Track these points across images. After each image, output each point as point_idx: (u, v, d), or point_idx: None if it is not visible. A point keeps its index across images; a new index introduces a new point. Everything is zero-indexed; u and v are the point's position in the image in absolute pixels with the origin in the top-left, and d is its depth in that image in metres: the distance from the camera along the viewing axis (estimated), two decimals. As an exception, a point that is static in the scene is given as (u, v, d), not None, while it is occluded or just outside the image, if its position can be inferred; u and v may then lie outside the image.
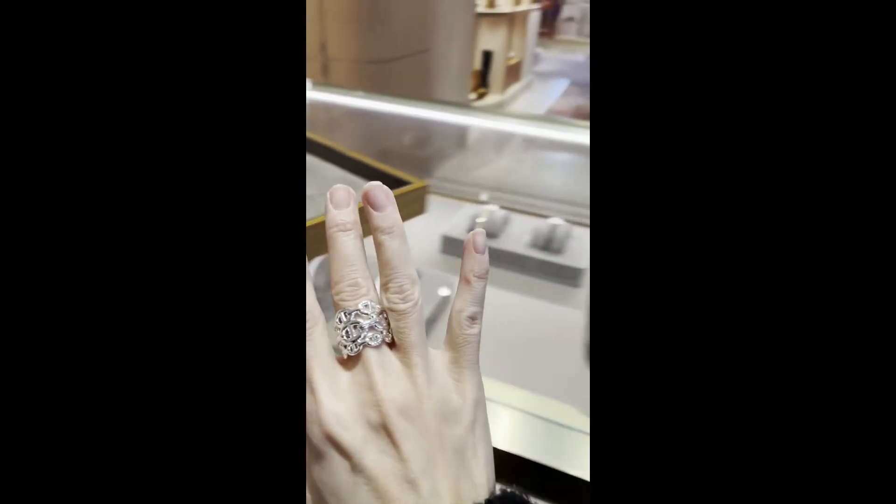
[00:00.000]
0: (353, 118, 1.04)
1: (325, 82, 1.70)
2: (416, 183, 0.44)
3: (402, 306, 0.19)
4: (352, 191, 0.21)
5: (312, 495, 0.19)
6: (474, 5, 2.50)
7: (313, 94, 1.04)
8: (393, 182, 0.44)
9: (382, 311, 0.20)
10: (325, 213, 0.20)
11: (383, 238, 0.20)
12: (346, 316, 0.19)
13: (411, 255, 0.20)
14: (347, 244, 0.20)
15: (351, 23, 1.62)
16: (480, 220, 0.58)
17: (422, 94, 1.98)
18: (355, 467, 0.17)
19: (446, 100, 2.03)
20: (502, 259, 0.60)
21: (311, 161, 0.52)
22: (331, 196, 0.20)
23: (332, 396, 0.18)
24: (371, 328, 0.19)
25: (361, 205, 0.20)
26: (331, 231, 0.20)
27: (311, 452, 0.18)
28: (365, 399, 0.18)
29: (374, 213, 0.20)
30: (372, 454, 0.18)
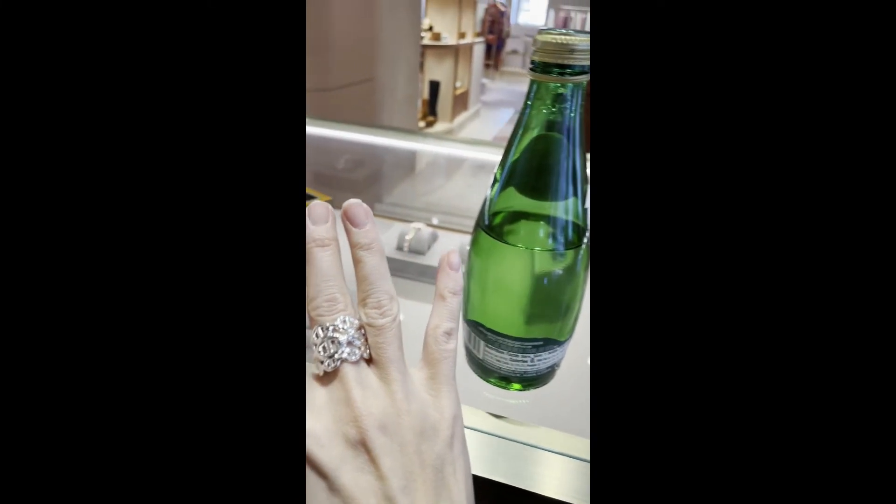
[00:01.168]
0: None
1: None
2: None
3: (380, 321, 0.19)
4: (330, 207, 0.21)
5: None
6: (420, 37, 2.58)
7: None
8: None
9: (360, 327, 0.20)
10: (305, 229, 0.20)
11: (362, 254, 0.20)
12: (322, 331, 0.19)
13: (388, 271, 0.21)
14: (325, 259, 0.20)
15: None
16: (408, 237, 0.59)
17: (367, 121, 2.01)
18: (332, 487, 0.17)
19: (394, 126, 2.07)
20: (428, 275, 0.62)
21: None
22: (309, 212, 0.20)
23: (308, 414, 0.18)
24: (349, 343, 0.19)
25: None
26: (309, 246, 0.20)
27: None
28: (342, 415, 0.18)
29: (354, 230, 0.20)
30: (349, 473, 0.17)
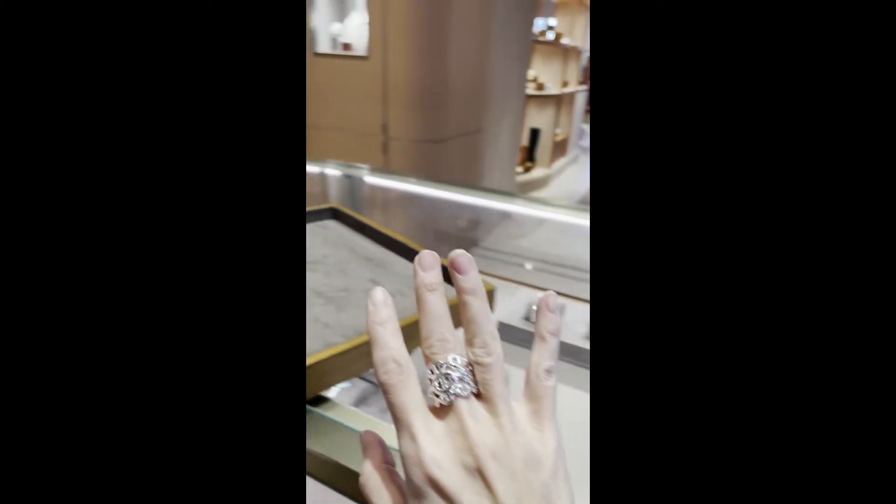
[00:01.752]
0: (408, 201, 1.10)
1: (385, 162, 1.81)
2: (486, 286, 0.46)
3: (486, 360, 0.21)
4: (437, 255, 0.23)
5: None
6: (525, 88, 2.63)
7: (371, 179, 1.11)
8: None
9: (469, 364, 0.21)
10: (415, 276, 0.23)
11: (468, 298, 0.22)
12: (437, 368, 0.21)
13: (490, 313, 0.22)
14: (435, 302, 0.22)
15: (411, 108, 1.74)
16: (536, 307, 0.58)
17: (472, 171, 2.06)
18: None
19: (494, 177, 2.10)
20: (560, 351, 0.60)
21: (386, 255, 0.55)
22: (419, 261, 0.23)
23: (430, 441, 0.20)
24: (460, 380, 0.21)
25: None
26: (420, 291, 0.22)
27: (412, 492, 0.20)
28: (459, 444, 0.20)
29: (459, 277, 0.22)
30: (470, 496, 0.19)
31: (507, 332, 0.52)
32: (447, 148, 1.86)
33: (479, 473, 0.19)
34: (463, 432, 0.20)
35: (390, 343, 0.21)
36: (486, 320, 0.22)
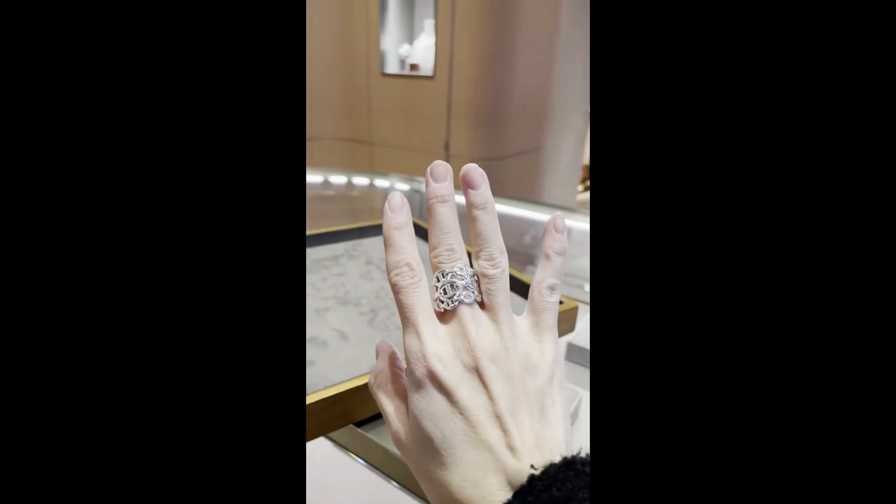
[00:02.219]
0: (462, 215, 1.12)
1: (446, 178, 1.85)
2: (568, 303, 0.46)
3: (492, 272, 0.22)
4: (449, 166, 0.23)
5: (410, 420, 0.21)
6: (588, 106, 2.61)
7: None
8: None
9: (475, 275, 0.22)
10: (426, 186, 0.23)
11: (478, 213, 0.23)
12: (443, 276, 0.22)
13: (499, 228, 0.23)
14: (445, 213, 0.23)
15: (473, 126, 1.78)
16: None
17: (531, 188, 2.06)
18: (451, 400, 0.20)
19: (554, 194, 2.09)
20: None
21: None
22: (431, 171, 0.23)
23: (433, 339, 0.21)
24: (465, 287, 0.22)
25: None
26: (431, 202, 0.23)
27: (412, 384, 0.21)
28: (460, 345, 0.21)
29: (471, 192, 0.23)
30: (465, 390, 0.20)
31: (576, 354, 0.52)
32: (507, 165, 1.88)
33: (477, 371, 0.20)
34: (464, 335, 0.21)
35: (406, 247, 0.22)
36: (495, 235, 0.23)
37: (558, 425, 0.21)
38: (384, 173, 1.22)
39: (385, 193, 1.22)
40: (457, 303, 0.22)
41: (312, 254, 0.60)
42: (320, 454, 0.42)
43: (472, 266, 0.23)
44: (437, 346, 0.21)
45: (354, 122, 2.05)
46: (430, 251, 0.23)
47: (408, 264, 0.22)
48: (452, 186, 0.23)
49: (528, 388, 0.21)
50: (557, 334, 0.23)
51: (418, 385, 0.21)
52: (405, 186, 1.18)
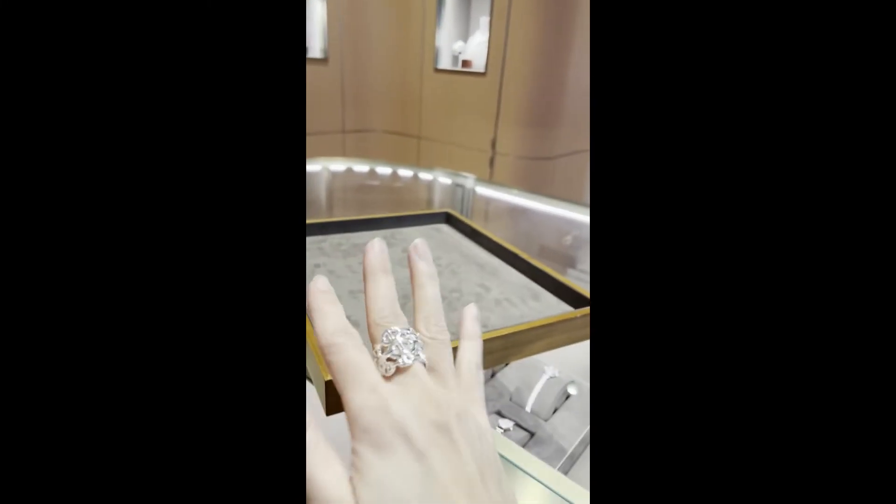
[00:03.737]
0: (516, 214, 1.12)
1: (490, 176, 1.85)
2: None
3: (441, 337, 0.23)
4: (384, 243, 0.25)
5: (364, 489, 0.18)
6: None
7: (480, 189, 1.15)
8: (579, 299, 0.46)
9: (419, 338, 0.22)
10: (365, 257, 0.24)
11: (427, 281, 0.24)
12: (392, 335, 0.21)
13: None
14: (388, 282, 0.24)
15: (522, 125, 1.77)
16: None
17: (577, 190, 2.03)
18: (424, 461, 0.18)
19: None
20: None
21: (497, 263, 0.57)
22: (369, 249, 0.24)
23: (397, 394, 0.19)
24: (415, 346, 0.21)
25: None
26: (371, 272, 0.24)
27: (370, 446, 0.18)
28: (423, 401, 0.20)
29: (422, 262, 0.25)
30: (438, 450, 0.19)
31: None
32: (553, 166, 1.86)
33: (447, 432, 0.19)
34: (426, 392, 0.20)
35: (337, 312, 0.22)
36: (439, 303, 0.24)
37: (510, 490, 0.21)
38: (430, 168, 1.24)
39: (429, 186, 1.24)
40: (412, 360, 0.21)
41: (353, 238, 0.61)
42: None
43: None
44: (401, 401, 0.19)
45: (405, 115, 2.08)
46: (373, 314, 0.22)
47: (344, 327, 0.21)
48: (387, 260, 0.24)
49: (485, 452, 0.20)
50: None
51: (379, 445, 0.18)
52: (448, 181, 1.19)
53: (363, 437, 0.19)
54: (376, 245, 0.24)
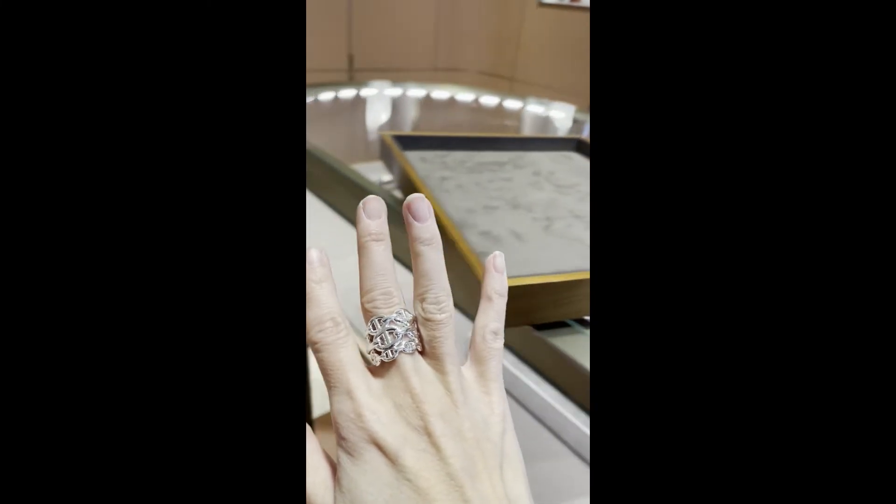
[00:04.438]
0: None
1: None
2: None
3: (438, 316, 0.20)
4: (383, 202, 0.21)
5: (342, 498, 0.18)
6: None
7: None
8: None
9: (414, 320, 0.20)
10: (357, 223, 0.21)
11: (423, 248, 0.20)
12: (380, 323, 0.19)
13: (445, 267, 0.21)
14: (380, 253, 0.20)
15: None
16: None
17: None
18: (396, 465, 0.17)
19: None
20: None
21: None
22: (364, 206, 0.21)
23: (369, 396, 0.18)
24: (405, 335, 0.19)
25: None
26: (363, 240, 0.20)
27: (345, 452, 0.18)
28: (403, 401, 0.19)
29: (416, 224, 0.20)
30: (412, 452, 0.18)
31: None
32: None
33: (425, 431, 0.18)
34: (408, 389, 0.19)
35: (327, 301, 0.19)
36: (441, 274, 0.20)
37: (519, 484, 0.19)
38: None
39: (519, 115, 1.16)
40: (396, 353, 0.19)
41: (476, 157, 0.57)
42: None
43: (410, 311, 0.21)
44: (373, 403, 0.18)
45: (499, 55, 1.97)
46: (363, 295, 0.20)
47: (332, 318, 0.19)
48: (386, 224, 0.21)
49: (482, 445, 0.19)
50: (503, 384, 0.21)
51: (352, 451, 0.18)
52: (564, 115, 1.10)
53: (341, 444, 0.18)
54: (370, 204, 0.21)
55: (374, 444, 0.18)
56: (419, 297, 0.20)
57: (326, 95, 1.08)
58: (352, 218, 0.49)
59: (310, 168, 0.57)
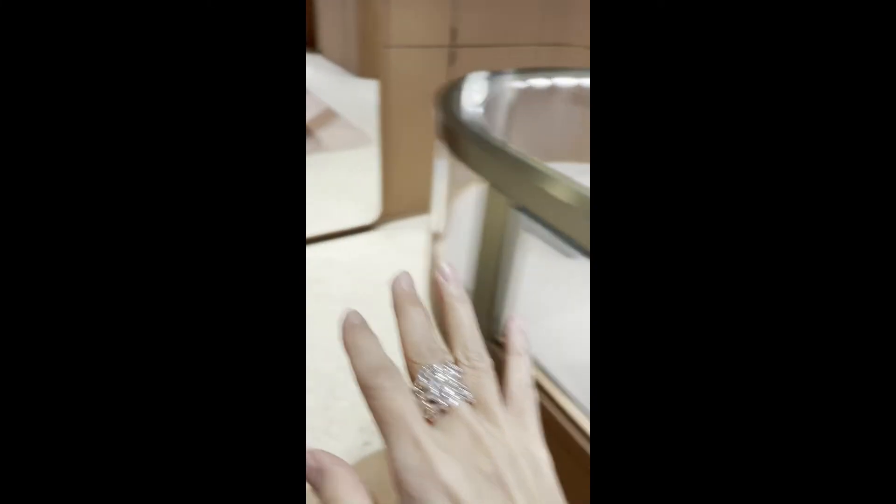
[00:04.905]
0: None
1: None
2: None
3: (481, 364, 0.21)
4: (409, 274, 0.23)
5: None
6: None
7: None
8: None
9: (460, 371, 0.21)
10: (393, 292, 0.23)
11: (458, 304, 0.23)
12: (430, 373, 0.20)
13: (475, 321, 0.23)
14: (420, 313, 0.22)
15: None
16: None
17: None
18: None
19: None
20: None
21: None
22: (398, 280, 0.23)
23: (439, 449, 0.18)
24: (457, 385, 0.20)
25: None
26: (402, 302, 0.22)
27: None
28: (473, 450, 0.18)
29: (448, 285, 0.23)
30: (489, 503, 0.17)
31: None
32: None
33: (498, 480, 0.18)
34: (474, 437, 0.19)
35: (377, 350, 0.20)
36: (474, 326, 0.22)
37: None
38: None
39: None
40: (454, 402, 0.19)
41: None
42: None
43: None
44: (443, 455, 0.18)
45: (562, 21, 1.88)
46: (409, 349, 0.21)
47: (383, 365, 0.20)
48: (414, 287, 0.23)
49: (543, 489, 0.19)
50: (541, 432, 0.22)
51: None
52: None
53: (407, 500, 0.18)
54: (403, 278, 0.23)
55: (448, 496, 0.17)
56: (460, 347, 0.22)
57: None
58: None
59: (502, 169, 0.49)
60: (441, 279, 0.24)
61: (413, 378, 0.21)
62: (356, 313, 0.21)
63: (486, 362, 0.22)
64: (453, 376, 0.20)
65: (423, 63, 1.72)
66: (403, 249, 1.84)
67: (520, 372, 0.23)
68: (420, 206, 2.03)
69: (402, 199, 1.97)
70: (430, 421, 0.19)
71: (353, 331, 0.21)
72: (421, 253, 1.74)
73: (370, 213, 1.91)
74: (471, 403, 0.20)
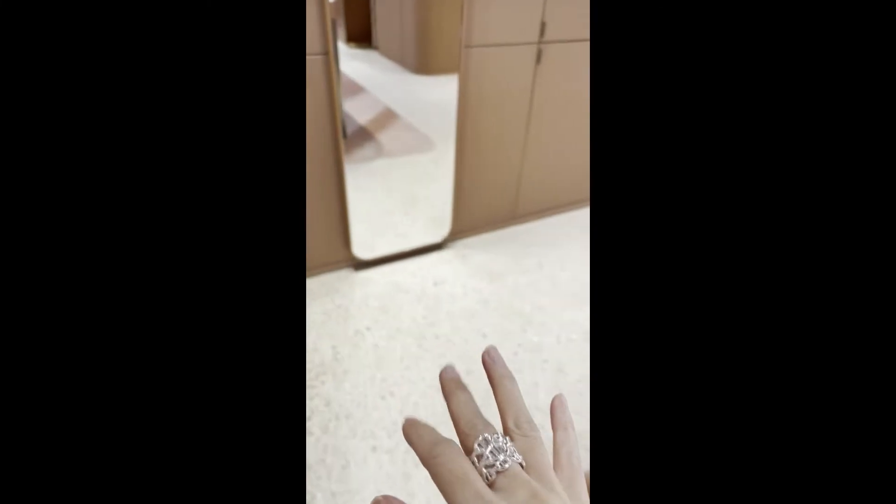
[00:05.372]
0: None
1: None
2: None
3: (533, 433, 0.23)
4: (454, 366, 0.26)
5: None
6: None
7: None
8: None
9: (512, 439, 0.23)
10: (442, 382, 0.26)
11: (506, 382, 0.26)
12: (485, 442, 0.22)
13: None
14: (469, 396, 0.25)
15: None
16: None
17: None
18: None
19: None
20: None
21: None
22: (445, 371, 0.26)
23: (503, 500, 0.19)
24: (511, 450, 0.22)
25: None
26: (451, 388, 0.25)
27: None
28: (531, 500, 0.20)
29: (495, 365, 0.26)
30: None
31: None
32: None
33: None
34: (532, 492, 0.20)
35: (431, 431, 0.22)
36: (521, 400, 0.25)
37: None
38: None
39: None
40: (509, 464, 0.21)
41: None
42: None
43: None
44: None
45: None
46: (463, 424, 0.23)
47: (441, 440, 0.22)
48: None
49: None
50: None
51: None
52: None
53: None
54: (448, 370, 0.26)
55: None
56: (512, 418, 0.24)
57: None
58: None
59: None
60: (488, 360, 0.26)
61: (468, 451, 0.22)
62: (409, 419, 0.23)
63: (536, 431, 0.23)
64: (506, 443, 0.22)
65: (507, 62, 1.53)
66: (478, 272, 1.64)
67: (567, 444, 0.25)
68: (495, 219, 1.84)
69: (474, 213, 1.78)
70: (489, 484, 0.21)
71: (409, 424, 0.23)
72: (500, 277, 1.54)
73: (441, 230, 1.73)
74: (523, 466, 0.22)
